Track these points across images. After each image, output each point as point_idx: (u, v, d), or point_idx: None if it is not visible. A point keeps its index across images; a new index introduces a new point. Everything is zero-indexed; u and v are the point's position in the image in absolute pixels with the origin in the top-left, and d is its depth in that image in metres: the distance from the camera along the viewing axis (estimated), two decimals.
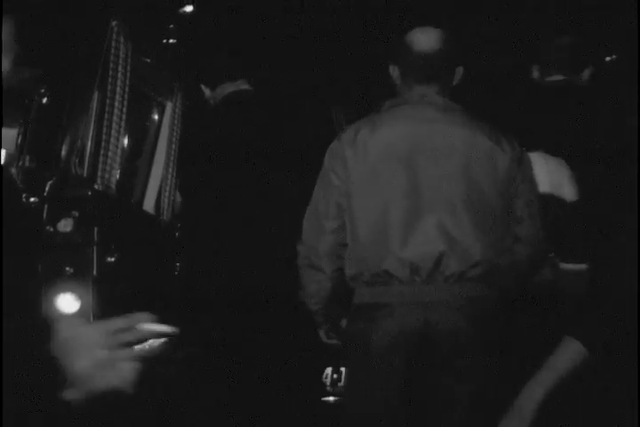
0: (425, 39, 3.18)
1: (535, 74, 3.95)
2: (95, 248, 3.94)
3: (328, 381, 4.37)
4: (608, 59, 5.43)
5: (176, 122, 4.76)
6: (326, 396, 4.40)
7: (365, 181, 3.10)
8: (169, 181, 4.65)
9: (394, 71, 3.25)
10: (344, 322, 3.31)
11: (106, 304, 4.00)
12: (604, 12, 5.25)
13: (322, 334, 3.40)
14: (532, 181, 3.23)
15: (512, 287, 3.19)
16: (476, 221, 3.07)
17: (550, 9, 5.35)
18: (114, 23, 4.07)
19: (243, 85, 4.32)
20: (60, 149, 4.14)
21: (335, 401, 4.39)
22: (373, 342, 3.07)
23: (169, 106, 4.80)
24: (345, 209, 3.13)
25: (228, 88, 4.30)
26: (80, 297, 3.92)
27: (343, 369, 4.35)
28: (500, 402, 2.88)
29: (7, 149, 7.92)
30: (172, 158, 4.68)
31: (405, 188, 3.07)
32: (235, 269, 4.30)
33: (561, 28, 4.94)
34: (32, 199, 4.24)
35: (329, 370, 4.35)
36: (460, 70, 3.23)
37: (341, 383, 4.36)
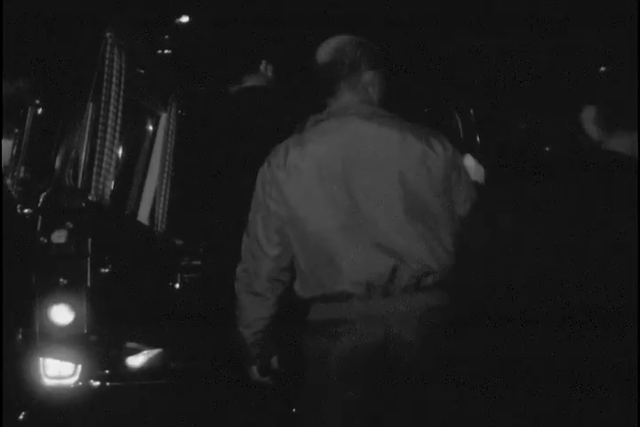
0: (323, 50, 3.14)
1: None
2: (89, 259, 3.94)
3: None
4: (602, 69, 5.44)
5: (170, 133, 4.77)
6: None
7: (302, 203, 3.04)
8: (163, 192, 4.65)
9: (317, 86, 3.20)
10: (275, 360, 3.26)
11: (100, 316, 4.00)
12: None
13: (254, 370, 3.27)
14: (467, 177, 3.19)
15: (474, 286, 3.15)
16: (420, 228, 3.02)
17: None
18: (108, 34, 4.07)
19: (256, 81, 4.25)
20: (55, 161, 4.14)
21: None
22: (336, 358, 3.02)
23: (163, 117, 4.81)
24: (286, 234, 3.08)
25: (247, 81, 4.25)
26: (74, 308, 3.92)
27: None
28: (465, 410, 2.93)
29: (2, 160, 7.93)
30: (166, 169, 4.68)
31: (344, 205, 3.01)
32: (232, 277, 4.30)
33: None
34: (26, 210, 4.24)
35: None
36: (371, 75, 3.13)
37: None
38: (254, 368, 3.26)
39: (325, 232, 3.01)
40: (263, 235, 3.10)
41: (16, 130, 6.29)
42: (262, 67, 4.52)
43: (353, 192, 3.01)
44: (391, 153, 3.04)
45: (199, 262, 4.47)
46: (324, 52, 3.14)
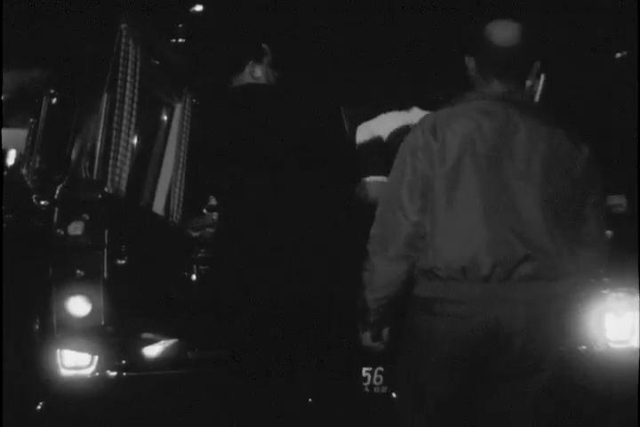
0: (506, 33, 3.13)
1: None
2: (105, 251, 3.95)
3: (367, 382, 4.37)
4: (618, 55, 5.42)
5: (185, 123, 4.77)
6: (363, 396, 4.40)
7: (452, 174, 3.06)
8: (178, 183, 4.66)
9: (469, 62, 3.21)
10: (386, 331, 3.26)
11: (117, 307, 4.02)
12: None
13: (367, 336, 3.26)
14: (601, 182, 3.23)
15: (579, 287, 3.22)
16: (555, 223, 3.07)
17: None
18: (123, 26, 4.07)
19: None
20: (70, 152, 4.15)
21: (371, 402, 4.39)
22: (450, 338, 3.07)
23: (178, 107, 4.81)
24: (427, 201, 3.08)
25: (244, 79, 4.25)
26: (91, 300, 3.94)
27: (380, 369, 4.34)
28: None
29: (18, 150, 7.97)
30: (181, 160, 4.68)
31: (488, 186, 3.05)
32: (249, 270, 4.31)
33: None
34: (42, 202, 4.25)
35: (365, 370, 4.34)
36: (537, 65, 3.19)
37: (379, 383, 4.35)
38: (368, 334, 3.26)
39: (465, 208, 3.05)
40: (407, 199, 3.09)
41: (31, 119, 6.32)
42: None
43: (499, 176, 3.06)
44: (540, 146, 3.09)
45: (214, 253, 4.48)
46: (505, 35, 3.13)
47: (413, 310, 3.17)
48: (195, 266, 4.62)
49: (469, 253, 3.04)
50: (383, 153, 4.94)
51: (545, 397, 3.15)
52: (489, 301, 3.05)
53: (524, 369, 3.12)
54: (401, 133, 4.88)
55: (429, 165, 3.06)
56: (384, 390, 4.36)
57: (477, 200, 3.04)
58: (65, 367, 4.16)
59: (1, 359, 4.07)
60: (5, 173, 7.49)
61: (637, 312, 4.53)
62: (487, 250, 3.03)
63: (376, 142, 5.09)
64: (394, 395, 4.21)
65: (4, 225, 5.06)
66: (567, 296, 3.14)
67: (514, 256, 3.04)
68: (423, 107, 5.05)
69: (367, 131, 5.13)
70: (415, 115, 4.95)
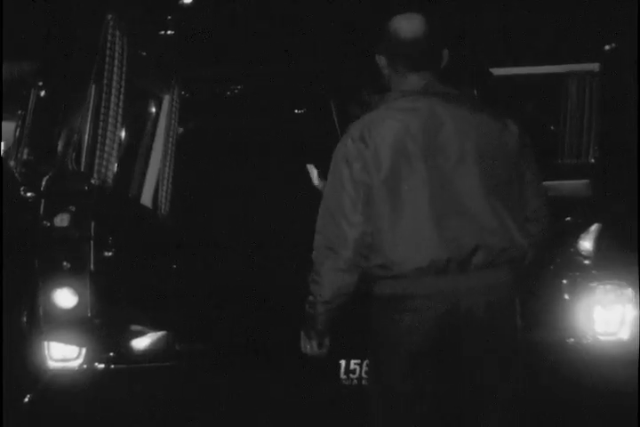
0: (410, 25, 3.14)
1: None
2: (92, 243, 3.94)
3: (342, 372, 4.36)
4: (607, 47, 5.41)
5: (173, 115, 4.75)
6: (340, 388, 4.39)
7: (386, 181, 3.07)
8: (166, 175, 4.64)
9: (380, 60, 3.21)
10: (327, 341, 3.26)
11: (104, 299, 4.01)
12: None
13: (313, 345, 3.24)
14: (533, 159, 3.25)
15: (532, 267, 3.28)
16: (499, 206, 3.10)
17: None
18: (109, 17, 4.05)
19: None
20: (57, 144, 4.14)
21: (349, 393, 4.39)
22: (416, 333, 3.09)
23: (166, 99, 4.79)
24: (369, 207, 3.09)
25: None
26: (77, 292, 3.93)
27: (342, 362, 4.34)
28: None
29: (6, 141, 7.94)
30: (169, 152, 4.67)
31: (428, 182, 3.06)
32: (234, 261, 4.30)
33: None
34: (29, 194, 4.24)
35: (343, 362, 4.34)
36: (446, 53, 3.21)
37: (355, 375, 4.34)
38: (314, 342, 3.25)
39: (409, 207, 3.07)
40: (350, 208, 3.09)
41: (19, 111, 6.29)
42: None
43: (437, 172, 3.07)
44: (471, 134, 3.11)
45: (201, 245, 4.47)
46: (410, 27, 3.15)
47: (378, 310, 3.16)
48: (182, 257, 4.60)
49: (421, 256, 3.05)
50: None
51: (505, 383, 3.15)
52: (450, 292, 3.07)
53: (488, 355, 3.13)
54: None
55: (367, 174, 3.07)
56: None
57: (420, 201, 3.06)
58: (53, 360, 4.15)
59: (1, 351, 4.06)
60: None
61: (626, 305, 4.54)
62: (438, 250, 3.05)
63: None
64: None
65: None
66: (522, 278, 3.19)
67: (465, 250, 3.06)
68: None
69: None
70: None
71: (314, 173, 5.00)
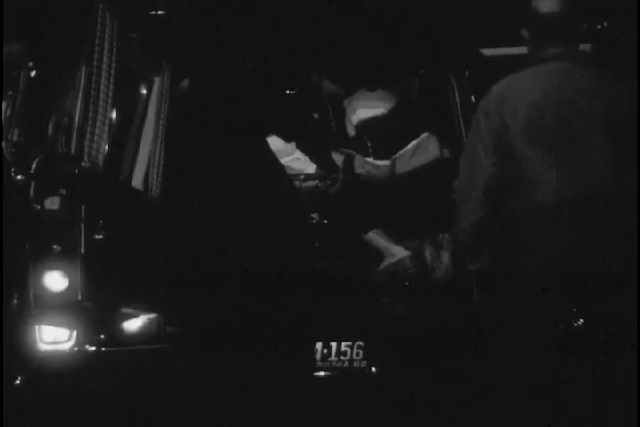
0: (549, 1, 3.57)
1: None
2: (82, 226, 3.93)
3: (318, 356, 4.38)
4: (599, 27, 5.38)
5: (164, 97, 4.73)
6: (317, 371, 4.41)
7: (523, 132, 3.53)
8: (157, 157, 4.62)
9: (524, 34, 3.66)
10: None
11: (94, 281, 4.00)
12: None
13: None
14: None
15: None
16: (620, 170, 3.50)
17: None
18: None
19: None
20: (47, 127, 4.11)
21: (326, 376, 4.40)
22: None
23: (157, 81, 4.77)
24: (501, 153, 3.56)
25: None
26: (68, 275, 3.92)
27: (333, 344, 4.36)
28: None
29: None
30: (160, 134, 4.65)
31: (559, 142, 3.49)
32: (224, 244, 4.30)
33: None
34: (19, 177, 4.22)
35: (319, 345, 4.36)
36: (584, 28, 3.65)
37: (331, 358, 4.36)
38: (467, 256, 3.87)
39: (539, 158, 3.52)
40: (484, 154, 3.59)
41: (10, 92, 6.26)
42: None
43: (569, 131, 3.51)
44: (602, 94, 3.53)
45: (192, 227, 4.47)
46: (548, 3, 3.58)
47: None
48: (173, 240, 4.60)
49: (550, 195, 3.53)
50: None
51: None
52: (565, 232, 3.55)
53: None
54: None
55: (502, 126, 3.54)
56: (364, 364, 4.37)
57: (548, 155, 3.49)
58: (44, 342, 4.15)
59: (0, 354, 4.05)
60: None
61: None
62: (563, 192, 3.51)
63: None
64: (373, 369, 4.24)
65: None
66: None
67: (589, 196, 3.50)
68: None
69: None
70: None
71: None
